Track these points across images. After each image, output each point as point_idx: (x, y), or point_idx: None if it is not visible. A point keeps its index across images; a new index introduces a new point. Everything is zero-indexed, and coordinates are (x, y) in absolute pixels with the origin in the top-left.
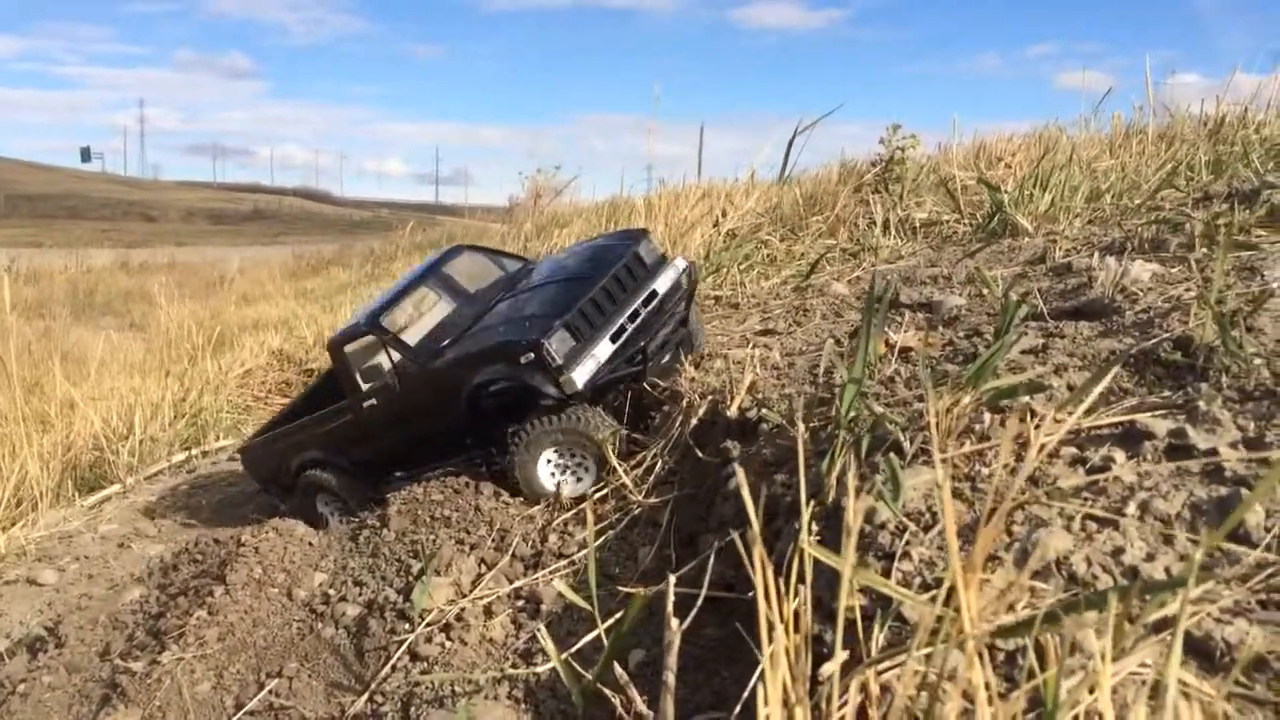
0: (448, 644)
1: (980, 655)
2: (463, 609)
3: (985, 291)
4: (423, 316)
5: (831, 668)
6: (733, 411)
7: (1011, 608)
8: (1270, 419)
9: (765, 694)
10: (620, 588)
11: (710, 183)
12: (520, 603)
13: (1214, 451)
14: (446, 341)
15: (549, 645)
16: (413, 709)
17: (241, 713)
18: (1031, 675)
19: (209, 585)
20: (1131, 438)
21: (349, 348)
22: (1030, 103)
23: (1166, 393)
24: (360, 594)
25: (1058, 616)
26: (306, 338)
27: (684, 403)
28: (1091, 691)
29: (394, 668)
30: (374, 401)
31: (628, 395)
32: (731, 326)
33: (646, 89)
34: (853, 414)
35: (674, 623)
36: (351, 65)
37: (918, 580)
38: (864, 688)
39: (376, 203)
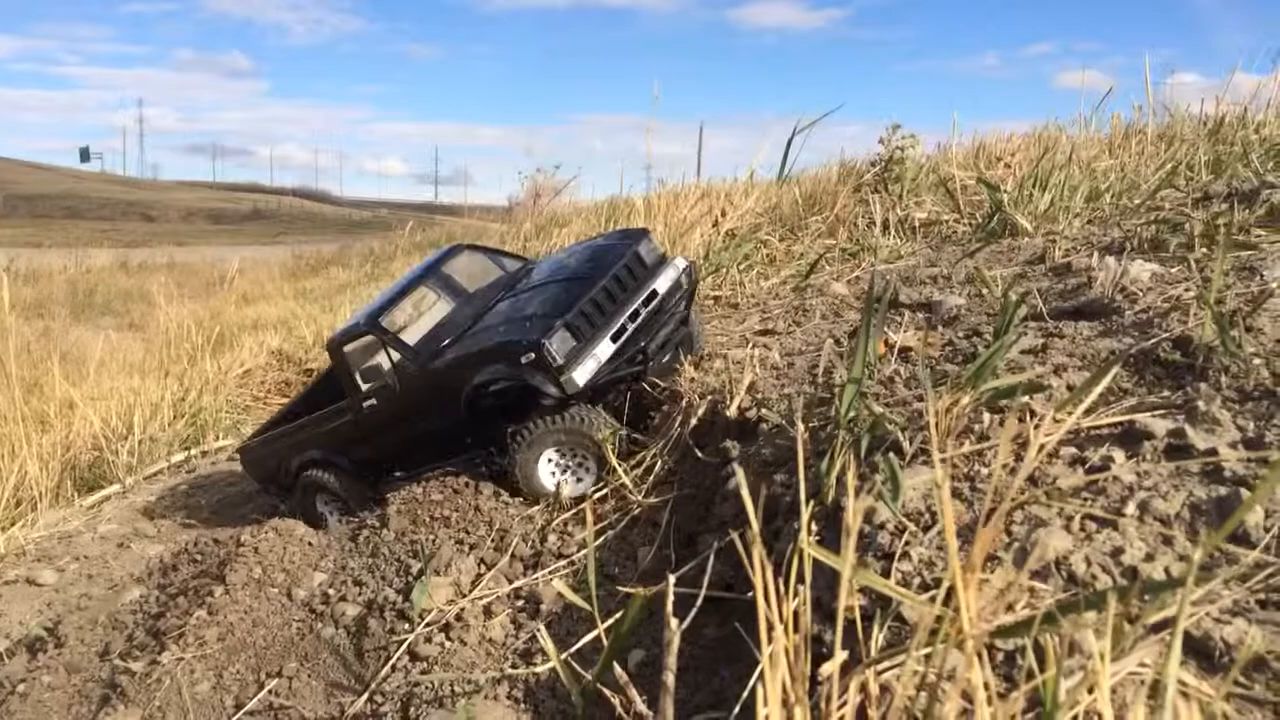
0: (447, 644)
1: (979, 655)
2: (462, 609)
3: (985, 291)
4: (422, 316)
5: (831, 668)
6: (732, 411)
7: (1011, 608)
8: (1270, 419)
9: (764, 694)
10: (620, 588)
11: (709, 182)
12: (520, 603)
13: (1213, 451)
14: (446, 341)
15: (548, 645)
16: (412, 709)
17: (241, 713)
18: (1031, 675)
19: (209, 585)
20: (1131, 438)
21: (348, 348)
22: (1030, 102)
23: (1166, 393)
24: (360, 594)
25: (1057, 616)
26: (306, 338)
27: (683, 403)
28: (1091, 691)
29: (394, 668)
30: (374, 401)
31: (627, 395)
32: (731, 326)
33: (645, 89)
34: (852, 414)
35: (673, 623)
36: (351, 65)
37: (917, 580)
38: (863, 688)
39: (376, 202)
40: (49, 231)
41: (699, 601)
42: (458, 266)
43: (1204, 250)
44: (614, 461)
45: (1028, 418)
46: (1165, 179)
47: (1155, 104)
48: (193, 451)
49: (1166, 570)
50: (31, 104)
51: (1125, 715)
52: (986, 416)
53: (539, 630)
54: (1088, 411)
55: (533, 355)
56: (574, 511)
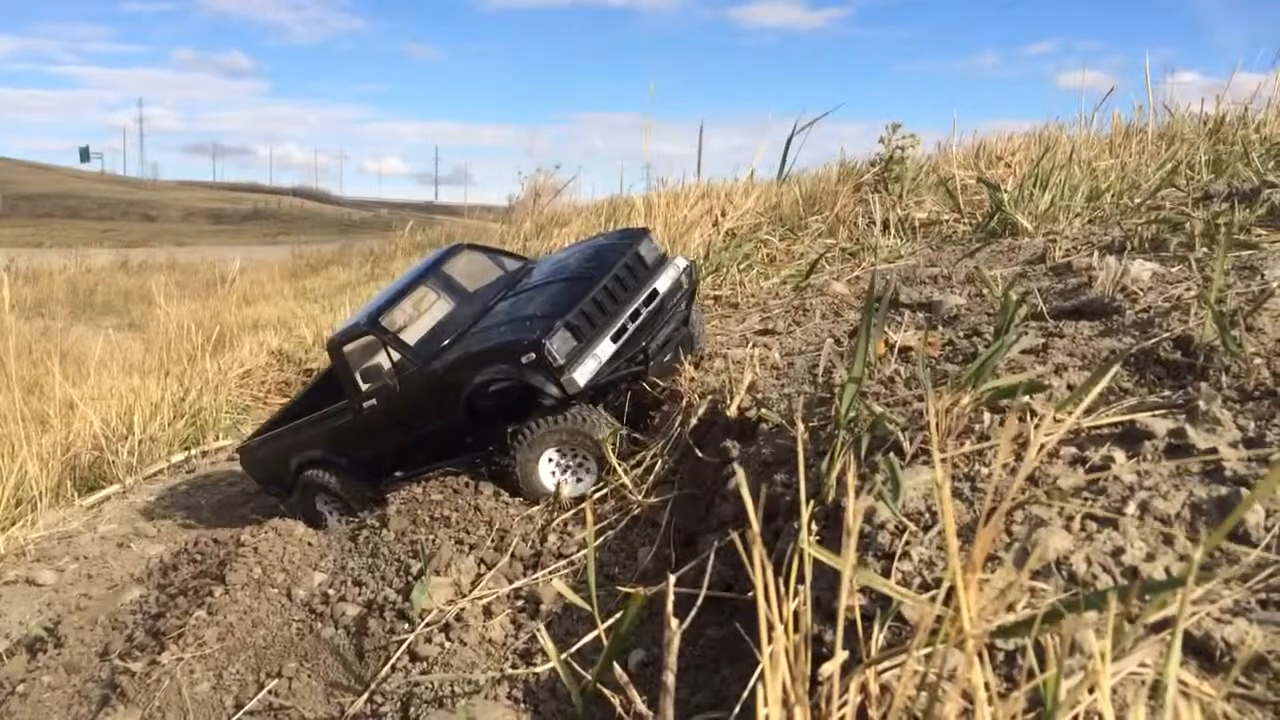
0: (447, 644)
1: (980, 655)
2: (462, 609)
3: (985, 291)
4: (422, 316)
5: (831, 668)
6: (732, 411)
7: (1011, 608)
8: (1270, 418)
9: (765, 694)
10: (620, 588)
11: (710, 182)
12: (520, 603)
13: (1214, 451)
14: (447, 341)
15: (548, 645)
16: (412, 709)
17: (241, 713)
18: (1031, 675)
19: (208, 585)
20: (1131, 437)
21: (348, 347)
22: (1030, 102)
23: (1166, 392)
24: (360, 594)
25: (1057, 616)
26: (306, 337)
27: (684, 402)
28: (1091, 691)
29: (393, 668)
30: (373, 401)
31: (628, 395)
32: (731, 326)
33: (646, 88)
34: (852, 414)
35: (674, 623)
36: (350, 65)
37: (917, 580)
38: (864, 688)
39: (376, 202)
40: (49, 231)
41: (699, 601)
42: (458, 266)
43: (1205, 250)
44: (614, 461)
45: (1028, 417)
46: (1166, 178)
47: (1156, 103)
48: (193, 451)
49: (1167, 570)
50: (31, 104)
51: (1126, 715)
52: (987, 416)
53: (539, 630)
54: (1088, 411)
55: (533, 355)
56: (574, 511)
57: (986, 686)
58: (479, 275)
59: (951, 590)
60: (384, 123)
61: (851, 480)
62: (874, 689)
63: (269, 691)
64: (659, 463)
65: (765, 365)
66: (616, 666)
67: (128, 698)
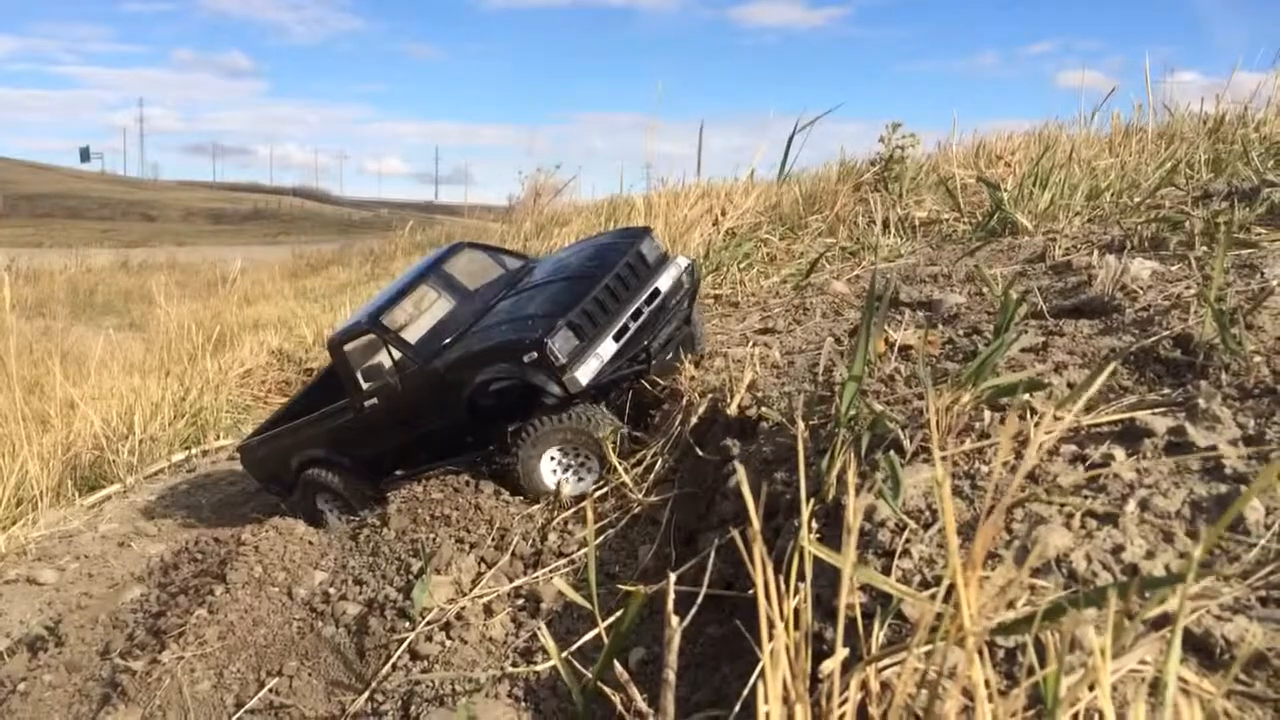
0: (448, 642)
1: (980, 652)
2: (463, 608)
3: (985, 290)
4: (423, 315)
5: (832, 665)
6: (733, 410)
7: (1011, 605)
8: (1270, 416)
9: (765, 691)
10: (620, 586)
11: (710, 182)
12: (520, 601)
13: (1214, 449)
14: (448, 340)
15: (549, 643)
16: (413, 707)
17: (242, 711)
18: (1031, 672)
19: (209, 584)
20: (1131, 435)
21: (349, 346)
22: (1030, 101)
23: (1166, 390)
24: (360, 593)
25: (1057, 613)
26: (306, 337)
27: (684, 401)
28: (1091, 688)
29: (394, 666)
30: (375, 400)
31: (629, 394)
32: (731, 325)
33: (646, 88)
34: (852, 412)
35: (674, 620)
36: (350, 65)
37: (917, 578)
38: (864, 685)
39: (376, 202)
40: (49, 231)
41: (699, 599)
42: (459, 265)
43: (1204, 248)
44: (614, 460)
45: (1028, 415)
46: (1165, 177)
47: (1155, 102)
48: (193, 451)
49: (1167, 567)
50: (31, 104)
51: (1126, 712)
52: (987, 414)
53: (539, 628)
54: (1088, 409)
55: (535, 354)
56: (574, 510)
57: (987, 684)
58: (480, 274)
59: (952, 588)
60: (384, 123)
61: (852, 478)
62: (874, 686)
63: (270, 690)
64: (659, 461)
65: (765, 364)
66: (617, 664)
67: (129, 696)
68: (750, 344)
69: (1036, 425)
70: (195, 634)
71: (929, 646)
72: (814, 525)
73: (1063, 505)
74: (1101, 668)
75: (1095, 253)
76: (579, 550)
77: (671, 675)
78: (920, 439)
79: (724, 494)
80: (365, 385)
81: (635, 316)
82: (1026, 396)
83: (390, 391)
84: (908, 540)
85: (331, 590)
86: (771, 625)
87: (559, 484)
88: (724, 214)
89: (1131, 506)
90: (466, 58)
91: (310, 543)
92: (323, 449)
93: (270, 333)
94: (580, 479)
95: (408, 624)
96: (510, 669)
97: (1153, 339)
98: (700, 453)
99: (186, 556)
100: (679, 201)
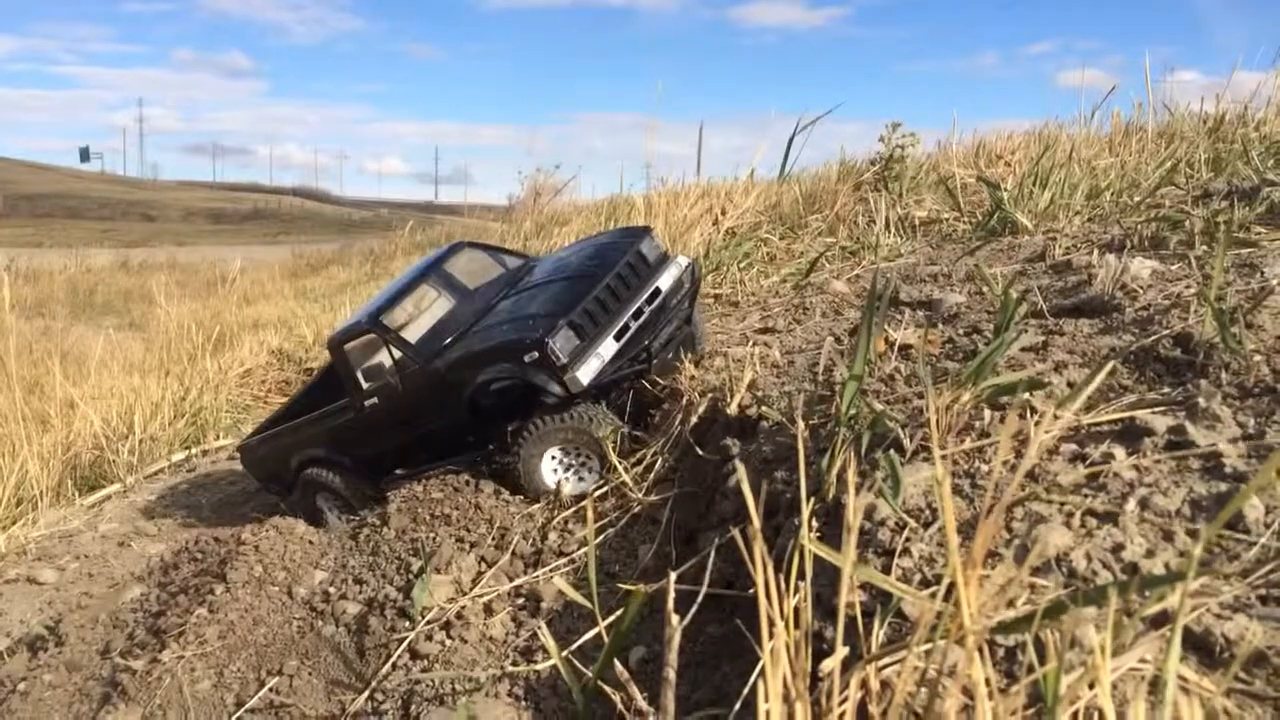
0: (448, 642)
1: (980, 651)
2: (463, 607)
3: (985, 289)
4: (423, 314)
5: (832, 664)
6: (733, 409)
7: (1011, 604)
8: (1270, 415)
9: (766, 690)
10: (620, 585)
11: (710, 181)
12: (520, 600)
13: (1214, 448)
14: (448, 340)
15: (549, 643)
16: (413, 707)
17: (242, 710)
18: (1031, 670)
19: (209, 583)
20: (1131, 434)
21: (350, 346)
22: (1030, 101)
23: (1166, 389)
24: (360, 592)
25: (1057, 612)
26: (306, 337)
27: (684, 401)
28: (1091, 687)
29: (394, 665)
30: (375, 400)
31: (630, 393)
32: (731, 324)
33: (646, 88)
34: (853, 411)
35: (674, 619)
36: (350, 65)
37: (918, 576)
38: (864, 684)
39: (376, 202)
40: (49, 231)
41: (700, 598)
42: (459, 264)
43: (1204, 247)
44: (615, 459)
45: (1028, 414)
46: (1165, 176)
47: (1155, 102)
48: (193, 450)
49: (1167, 566)
50: (31, 104)
51: (1126, 710)
52: (987, 413)
53: (540, 628)
54: (1088, 408)
55: (536, 354)
56: (574, 509)
57: (987, 682)
58: (480, 273)
59: (952, 586)
60: (384, 123)
61: (852, 477)
62: (874, 685)
63: (270, 689)
64: (659, 460)
65: (765, 363)
66: (617, 663)
67: (129, 696)
68: (750, 343)
69: (1036, 424)
70: (195, 633)
71: (929, 645)
72: (814, 524)
73: (1063, 504)
74: (1101, 666)
75: (1095, 252)
76: (579, 549)
77: (672, 674)
78: (920, 438)
79: (724, 493)
80: (365, 385)
81: (636, 316)
82: (1026, 395)
83: (390, 391)
84: (908, 539)
85: (332, 589)
86: (772, 624)
87: (559, 483)
88: (724, 213)
89: (1131, 505)
90: (466, 58)
91: (310, 542)
92: (323, 448)
93: (270, 332)
94: (581, 479)
95: (408, 623)
96: (510, 668)
97: (1153, 338)
98: (700, 452)
99: (186, 556)
100: (679, 201)
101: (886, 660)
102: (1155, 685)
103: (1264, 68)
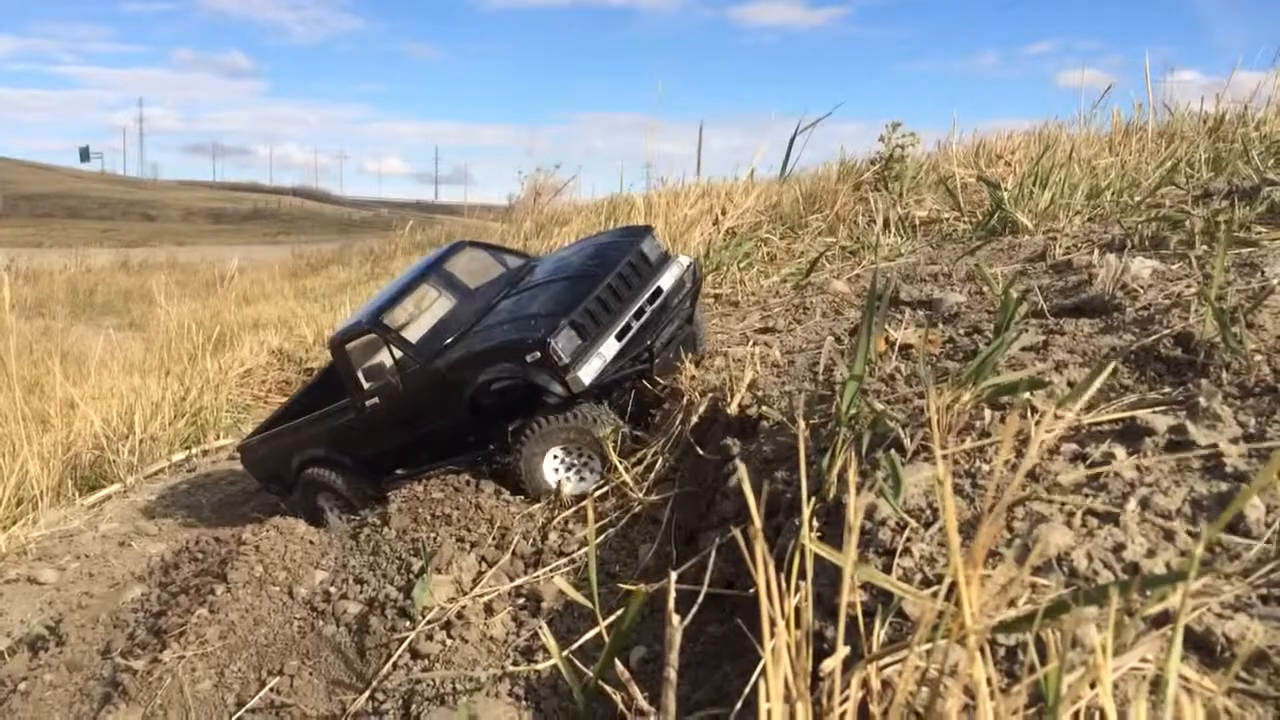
0: (449, 641)
1: (981, 650)
2: (464, 607)
3: (985, 289)
4: (424, 314)
5: (833, 663)
6: (733, 409)
7: (1012, 603)
8: (1271, 415)
9: (767, 689)
10: (621, 585)
11: (710, 181)
12: (521, 600)
13: (1214, 447)
14: (450, 340)
15: (550, 642)
16: (414, 706)
17: (243, 710)
18: (1032, 670)
19: (210, 583)
20: (1132, 434)
21: (350, 346)
22: (1030, 101)
23: (1167, 389)
24: (361, 592)
25: (1059, 611)
26: (306, 337)
27: (684, 400)
28: (1092, 686)
29: (395, 665)
30: (376, 400)
31: (632, 393)
32: (731, 324)
33: (646, 88)
34: (853, 411)
35: (675, 619)
36: (350, 65)
37: (918, 576)
38: (865, 683)
39: (376, 202)
40: (49, 231)
41: (700, 598)
42: (460, 263)
43: (1205, 247)
44: (615, 459)
45: (1029, 414)
46: (1166, 176)
47: (1155, 101)
48: (193, 450)
49: (1168, 565)
50: (31, 104)
51: (1127, 710)
52: (987, 413)
53: (540, 627)
54: (1089, 408)
55: (538, 354)
56: (575, 509)
57: (988, 682)
58: (481, 273)
59: (953, 586)
60: (384, 123)
61: (852, 477)
62: (875, 685)
63: (271, 689)
64: (660, 460)
65: (766, 363)
66: (618, 663)
67: (129, 696)
68: (751, 343)
69: (1037, 424)
70: (196, 633)
71: (930, 645)
72: (815, 524)
73: (1063, 504)
74: (1103, 665)
75: (1096, 251)
76: (580, 549)
77: (673, 674)
78: (921, 438)
79: (724, 493)
80: (366, 385)
81: (638, 315)
82: (1027, 395)
83: (391, 391)
84: (909, 539)
85: (332, 589)
86: (773, 624)
87: (560, 483)
88: (724, 213)
89: (1132, 505)
90: (466, 58)
91: (311, 542)
92: (323, 448)
93: (270, 332)
94: (582, 479)
95: (408, 623)
96: (511, 668)
97: (1153, 338)
98: (701, 452)
99: (187, 556)
100: (679, 201)
101: (888, 660)
102: (1156, 685)
103: (1264, 68)
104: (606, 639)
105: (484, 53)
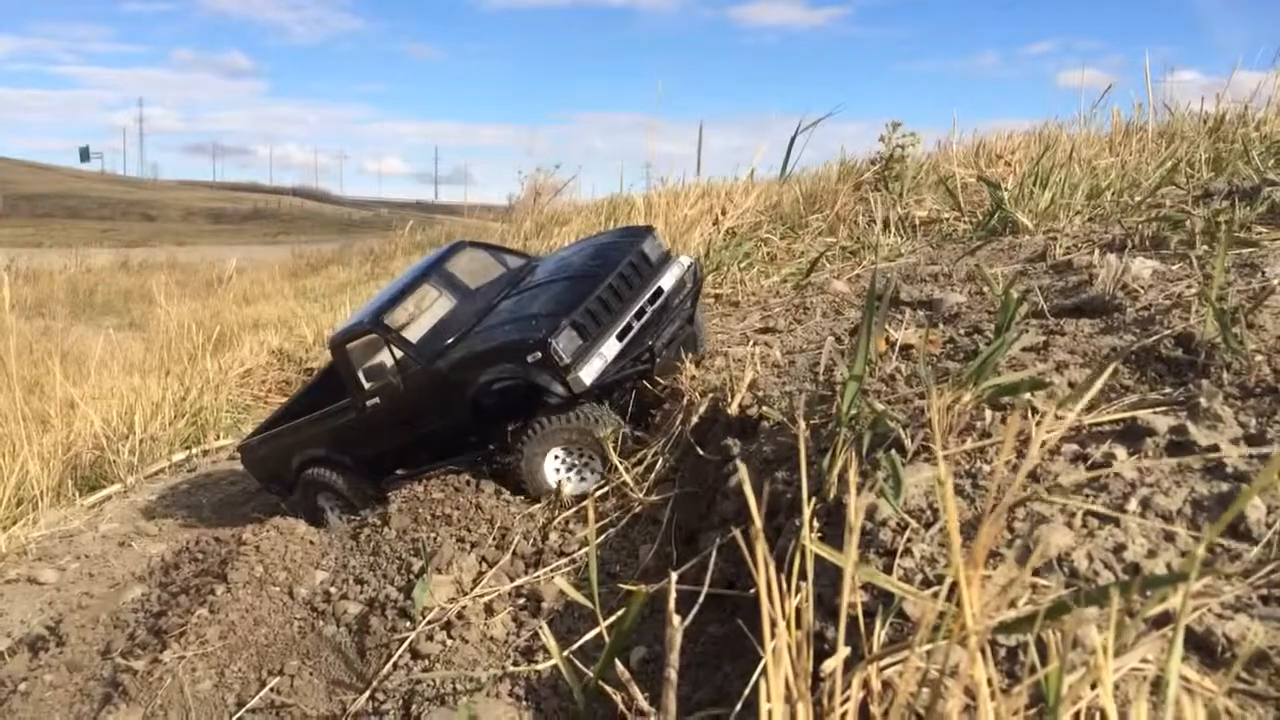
0: (449, 642)
1: (982, 651)
2: (464, 607)
3: (986, 289)
4: (425, 314)
5: (833, 664)
6: (733, 409)
7: (1013, 604)
8: (1271, 415)
9: (767, 690)
10: (621, 585)
11: (710, 181)
12: (521, 600)
13: (1215, 448)
14: (450, 340)
15: (550, 643)
16: (414, 707)
17: (243, 710)
18: (1033, 671)
19: (210, 584)
20: (1133, 434)
21: (351, 346)
22: (1030, 101)
23: (1168, 389)
24: (361, 592)
25: (1059, 612)
26: (306, 337)
27: (685, 401)
28: (1093, 687)
29: (395, 665)
30: (377, 400)
31: (633, 394)
32: (732, 324)
33: (646, 88)
34: (854, 411)
35: (676, 620)
36: (350, 65)
37: (919, 577)
38: (866, 684)
39: (376, 202)
40: (49, 231)
41: (701, 599)
42: (460, 263)
43: (1205, 247)
44: (615, 459)
45: (1029, 415)
46: (1166, 176)
47: (1156, 102)
48: (194, 450)
49: (1169, 566)
50: (31, 104)
51: (1128, 710)
52: (988, 413)
53: (541, 628)
54: (1089, 408)
55: (539, 354)
56: (575, 509)
57: (989, 682)
58: (481, 273)
59: (954, 586)
60: (384, 123)
61: (853, 477)
62: (876, 685)
63: (271, 689)
64: (660, 460)
65: (766, 363)
66: (618, 664)
67: (130, 696)
68: (751, 343)
69: (1038, 424)
70: (196, 633)
71: (931, 645)
72: (815, 524)
73: (1064, 504)
74: (1103, 666)
75: (1096, 252)
76: (580, 549)
77: (673, 674)
78: (921, 438)
79: (725, 493)
80: (367, 385)
81: (639, 316)
82: (1028, 396)
83: (392, 391)
84: (909, 539)
85: (332, 589)
86: (773, 624)
87: (560, 483)
88: (724, 213)
89: (1133, 505)
90: (466, 58)
91: (311, 542)
92: (324, 448)
93: (270, 332)
94: (583, 479)
95: (409, 623)
96: (511, 668)
97: (1154, 338)
98: (701, 452)
99: (187, 556)
100: (679, 201)
101: (888, 660)
102: (1157, 685)
103: (1264, 68)
104: (607, 639)
105: (484, 53)
